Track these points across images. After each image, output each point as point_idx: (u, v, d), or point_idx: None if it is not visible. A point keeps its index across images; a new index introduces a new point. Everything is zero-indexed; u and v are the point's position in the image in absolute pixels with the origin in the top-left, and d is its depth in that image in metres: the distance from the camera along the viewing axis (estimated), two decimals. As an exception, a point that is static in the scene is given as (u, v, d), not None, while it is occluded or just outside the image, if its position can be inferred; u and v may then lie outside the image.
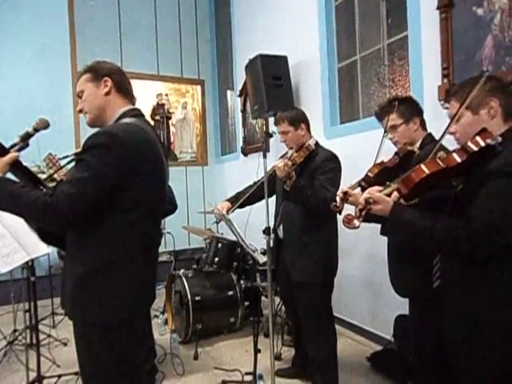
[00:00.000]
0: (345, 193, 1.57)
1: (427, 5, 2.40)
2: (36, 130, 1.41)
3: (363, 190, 1.69)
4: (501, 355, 1.17)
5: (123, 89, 1.41)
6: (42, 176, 3.26)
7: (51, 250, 2.23)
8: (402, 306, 2.04)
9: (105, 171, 1.19)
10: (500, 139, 1.15)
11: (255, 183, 2.45)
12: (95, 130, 1.29)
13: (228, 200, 2.50)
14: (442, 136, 1.30)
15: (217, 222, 2.43)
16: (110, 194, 1.21)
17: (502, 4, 1.97)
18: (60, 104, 4.58)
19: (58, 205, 1.15)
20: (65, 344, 3.03)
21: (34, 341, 2.45)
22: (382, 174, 1.64)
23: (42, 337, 2.97)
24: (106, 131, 1.24)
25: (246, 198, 2.39)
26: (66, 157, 1.96)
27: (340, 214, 1.54)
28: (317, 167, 2.15)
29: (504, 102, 1.22)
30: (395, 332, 2.57)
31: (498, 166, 1.12)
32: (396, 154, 1.73)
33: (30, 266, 2.55)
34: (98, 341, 1.26)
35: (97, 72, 1.38)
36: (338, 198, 1.55)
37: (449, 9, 2.22)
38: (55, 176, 2.48)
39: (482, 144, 1.14)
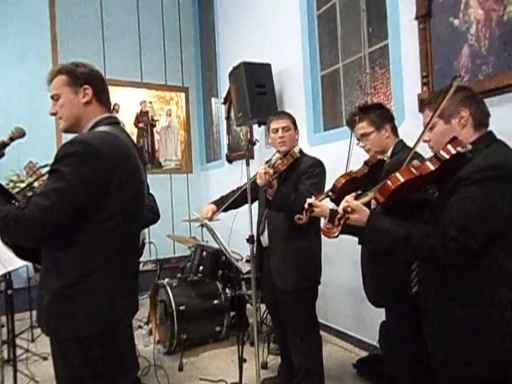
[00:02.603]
0: (309, 204, 1.57)
1: (406, 15, 2.45)
2: (12, 139, 1.37)
3: (332, 200, 1.69)
4: (480, 362, 1.18)
5: (102, 97, 1.36)
6: (22, 185, 3.19)
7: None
8: (387, 311, 2.05)
9: (79, 181, 1.15)
10: (470, 147, 1.18)
11: (238, 189, 2.44)
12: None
13: (213, 203, 2.48)
14: (416, 144, 1.32)
15: (202, 225, 2.40)
16: (85, 204, 1.18)
17: (478, 15, 2.03)
18: (40, 111, 4.46)
19: (31, 218, 1.11)
20: (44, 358, 2.94)
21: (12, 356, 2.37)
22: (350, 184, 1.63)
23: (19, 352, 2.89)
24: (80, 140, 1.20)
25: (231, 202, 2.38)
26: (47, 165, 1.91)
27: (303, 225, 1.56)
28: (303, 173, 2.15)
29: (474, 111, 1.25)
30: (380, 338, 2.57)
31: (468, 172, 1.16)
32: (365, 163, 1.72)
33: (7, 279, 2.48)
34: (76, 356, 1.21)
35: (76, 77, 1.31)
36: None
37: (427, 19, 2.27)
38: (35, 184, 2.42)
39: (453, 152, 1.18)
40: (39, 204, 1.13)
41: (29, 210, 1.13)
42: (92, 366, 1.22)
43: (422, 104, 1.43)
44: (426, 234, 1.17)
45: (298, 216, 1.60)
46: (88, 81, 1.32)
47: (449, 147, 1.19)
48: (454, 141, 1.20)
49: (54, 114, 1.35)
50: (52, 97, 1.33)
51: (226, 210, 2.43)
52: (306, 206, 1.58)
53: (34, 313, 3.41)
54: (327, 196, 1.70)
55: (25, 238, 1.18)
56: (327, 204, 1.73)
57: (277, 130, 2.23)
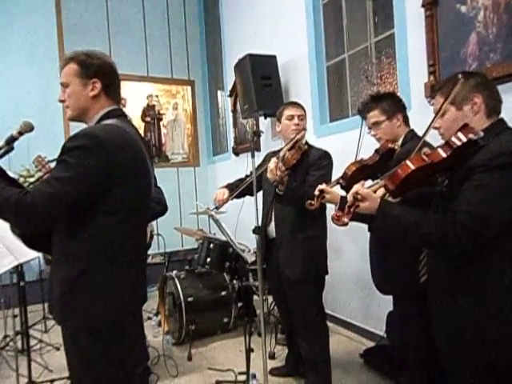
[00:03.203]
0: (321, 191, 1.56)
1: (412, 2, 2.42)
2: (20, 133, 1.38)
3: (342, 187, 1.69)
4: (489, 350, 1.17)
5: (111, 90, 1.36)
6: (31, 180, 3.23)
7: (41, 254, 2.21)
8: (394, 301, 2.05)
9: (85, 172, 1.16)
10: (482, 134, 1.16)
11: (247, 176, 2.45)
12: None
13: (225, 187, 2.45)
14: (427, 131, 1.31)
15: (217, 208, 2.39)
16: (91, 195, 1.19)
17: (485, 1, 1.99)
18: (49, 106, 4.53)
19: (33, 204, 1.11)
20: (57, 349, 3.00)
21: (26, 346, 2.44)
22: (361, 172, 1.64)
23: (33, 342, 2.96)
24: (87, 133, 1.21)
25: (244, 189, 2.35)
26: (55, 160, 1.93)
27: (313, 212, 1.54)
28: (311, 164, 2.15)
29: (487, 98, 1.23)
30: (387, 328, 2.58)
31: (482, 160, 1.13)
32: (376, 151, 1.72)
33: (19, 271, 2.53)
34: (88, 345, 1.24)
35: (87, 69, 1.30)
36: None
37: (433, 6, 2.24)
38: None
39: (465, 139, 1.15)
40: (42, 191, 1.13)
41: (31, 195, 1.12)
42: (104, 354, 1.25)
43: (433, 90, 1.41)
44: (438, 222, 1.16)
45: (309, 202, 1.61)
46: (98, 74, 1.31)
47: (460, 134, 1.17)
48: (465, 128, 1.18)
49: (62, 101, 1.36)
50: (62, 83, 1.34)
51: (238, 196, 2.40)
52: (316, 192, 1.57)
53: (47, 305, 3.50)
54: (338, 183, 1.70)
55: (24, 223, 1.17)
56: (338, 191, 1.73)
57: (292, 117, 2.22)
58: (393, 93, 2.03)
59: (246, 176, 2.49)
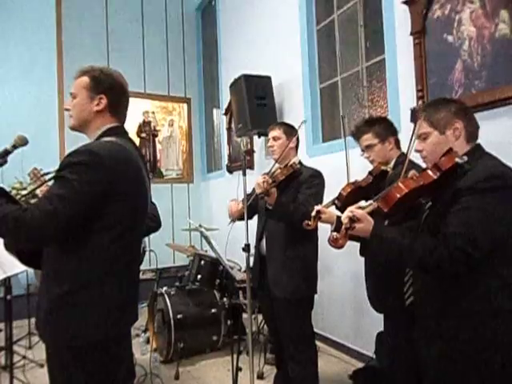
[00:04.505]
0: (317, 211, 1.60)
1: (402, 31, 2.51)
2: (15, 146, 1.40)
3: (337, 208, 1.73)
4: (476, 377, 1.17)
5: (116, 108, 1.38)
6: (24, 192, 3.23)
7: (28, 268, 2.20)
8: (383, 322, 2.06)
9: (84, 189, 1.16)
10: (466, 158, 1.20)
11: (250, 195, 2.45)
12: (79, 145, 1.28)
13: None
14: (407, 153, 1.35)
15: (233, 221, 2.37)
16: (89, 212, 1.19)
17: (470, 32, 2.09)
18: (45, 120, 4.59)
19: (32, 220, 1.11)
20: (41, 366, 2.94)
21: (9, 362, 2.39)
22: (355, 193, 1.68)
23: (16, 358, 2.89)
24: (87, 149, 1.22)
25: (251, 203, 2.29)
26: (49, 173, 1.93)
27: (311, 230, 1.56)
28: (302, 182, 2.18)
29: (467, 123, 1.29)
30: (376, 348, 2.57)
31: (469, 183, 1.17)
32: (370, 173, 1.78)
33: (6, 285, 2.50)
34: (71, 364, 1.21)
35: (97, 84, 1.34)
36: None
37: (422, 35, 2.33)
38: (37, 192, 2.45)
39: (452, 162, 1.20)
40: (41, 208, 1.13)
41: (30, 212, 1.12)
42: (88, 374, 1.22)
43: (415, 113, 1.46)
44: (432, 245, 1.17)
45: (306, 222, 1.63)
46: (106, 91, 1.34)
47: (448, 157, 1.21)
48: (450, 152, 1.23)
49: (66, 110, 1.39)
50: (71, 93, 1.37)
51: (250, 213, 2.30)
52: (313, 213, 1.60)
53: (32, 320, 3.43)
54: (333, 204, 1.74)
55: (23, 239, 1.18)
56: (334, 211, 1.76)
57: (269, 140, 2.32)
58: (385, 117, 2.13)
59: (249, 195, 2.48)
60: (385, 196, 1.25)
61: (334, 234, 1.27)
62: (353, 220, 1.24)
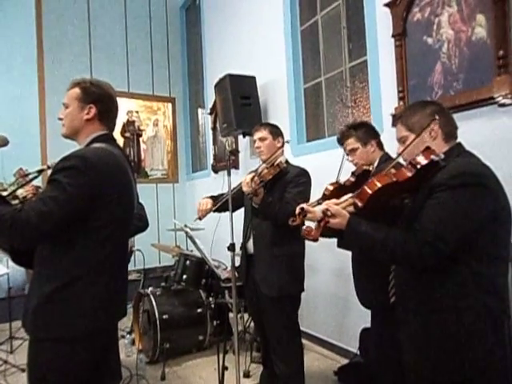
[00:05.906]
0: (301, 209, 1.62)
1: (383, 32, 2.56)
2: (-5, 147, 1.41)
3: None
4: (452, 367, 1.21)
5: (105, 117, 1.47)
6: (4, 193, 3.15)
7: (10, 270, 2.16)
8: (369, 319, 2.10)
9: (76, 192, 1.24)
10: (443, 156, 1.25)
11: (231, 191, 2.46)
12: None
13: (209, 197, 2.45)
14: (397, 158, 1.40)
15: (199, 219, 2.39)
16: (80, 214, 1.26)
17: (449, 35, 2.15)
18: (26, 119, 4.49)
19: (27, 221, 1.18)
20: (23, 370, 2.88)
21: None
22: (338, 192, 1.70)
23: (-2, 362, 2.84)
24: (78, 155, 1.30)
25: (224, 203, 2.33)
26: (34, 172, 1.92)
27: (298, 229, 1.59)
28: (289, 181, 2.20)
29: (443, 124, 1.33)
30: (361, 345, 2.62)
31: (442, 179, 1.21)
32: (352, 173, 1.82)
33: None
34: (52, 357, 1.26)
35: (87, 95, 1.43)
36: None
37: (402, 37, 2.39)
38: (18, 193, 2.40)
39: (427, 160, 1.23)
40: (36, 209, 1.20)
41: (25, 213, 1.19)
42: (75, 367, 1.28)
43: (394, 119, 1.51)
44: (403, 239, 1.21)
45: (292, 218, 1.65)
46: (96, 100, 1.44)
47: (423, 155, 1.25)
48: (427, 150, 1.26)
49: (60, 119, 1.47)
50: (63, 104, 1.47)
51: (220, 209, 2.38)
52: (297, 210, 1.63)
53: (14, 324, 3.37)
54: (318, 203, 1.76)
55: (18, 239, 1.23)
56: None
57: (255, 141, 2.33)
58: (366, 122, 2.25)
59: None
60: (360, 191, 1.29)
61: (308, 226, 1.31)
62: (326, 214, 1.29)
